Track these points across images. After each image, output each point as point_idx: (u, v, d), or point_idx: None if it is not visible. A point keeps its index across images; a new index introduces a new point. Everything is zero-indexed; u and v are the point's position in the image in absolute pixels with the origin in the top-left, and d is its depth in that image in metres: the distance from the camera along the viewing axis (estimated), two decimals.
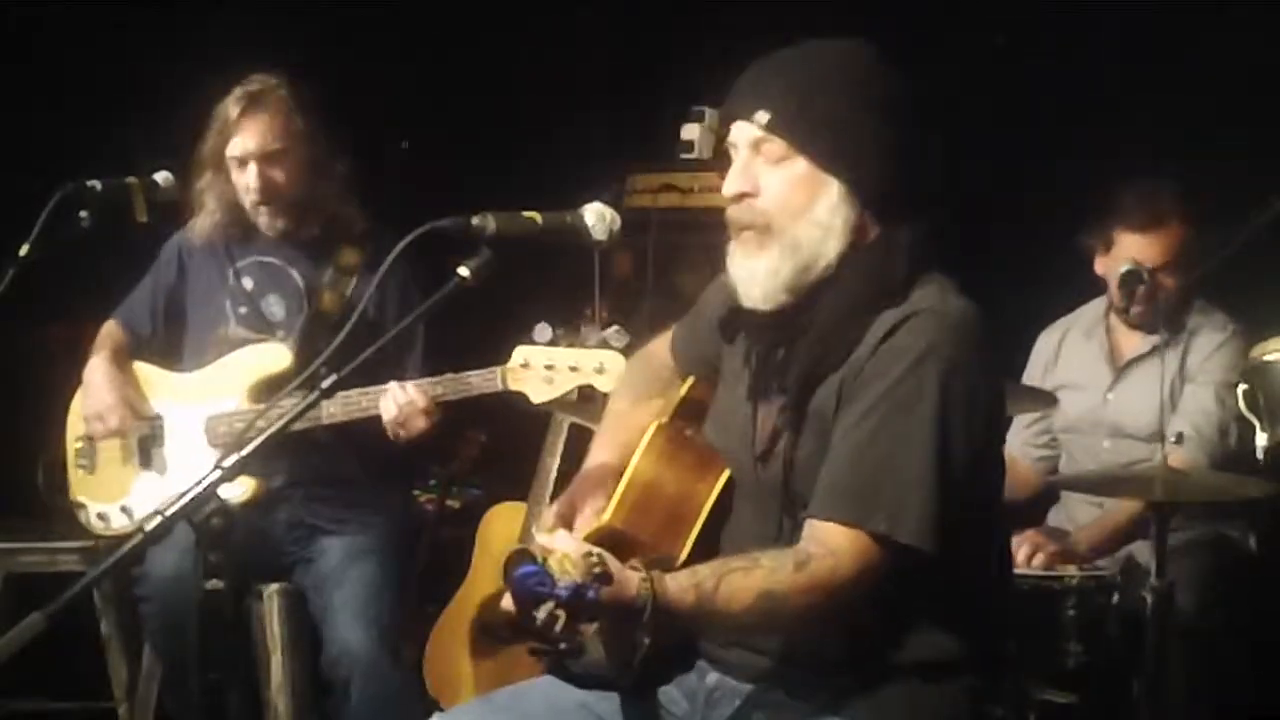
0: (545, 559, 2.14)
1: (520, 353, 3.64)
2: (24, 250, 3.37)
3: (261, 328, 4.04)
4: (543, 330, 3.63)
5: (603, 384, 3.53)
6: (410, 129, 5.57)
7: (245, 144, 3.95)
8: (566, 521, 2.58)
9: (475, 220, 2.40)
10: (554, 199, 2.52)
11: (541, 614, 2.13)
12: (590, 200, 2.48)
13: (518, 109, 5.27)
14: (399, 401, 3.70)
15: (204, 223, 4.07)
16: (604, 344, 3.58)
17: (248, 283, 4.07)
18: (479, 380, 3.69)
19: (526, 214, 2.45)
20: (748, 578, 2.27)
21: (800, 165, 2.44)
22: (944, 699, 2.45)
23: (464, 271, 2.39)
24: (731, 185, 2.47)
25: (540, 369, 3.61)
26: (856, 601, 2.33)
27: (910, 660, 2.42)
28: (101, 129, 4.87)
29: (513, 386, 3.65)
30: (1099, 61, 4.94)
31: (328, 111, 4.07)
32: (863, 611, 2.35)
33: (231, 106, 3.97)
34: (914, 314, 2.40)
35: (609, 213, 2.46)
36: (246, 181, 3.96)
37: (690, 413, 2.67)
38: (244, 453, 2.36)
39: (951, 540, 2.34)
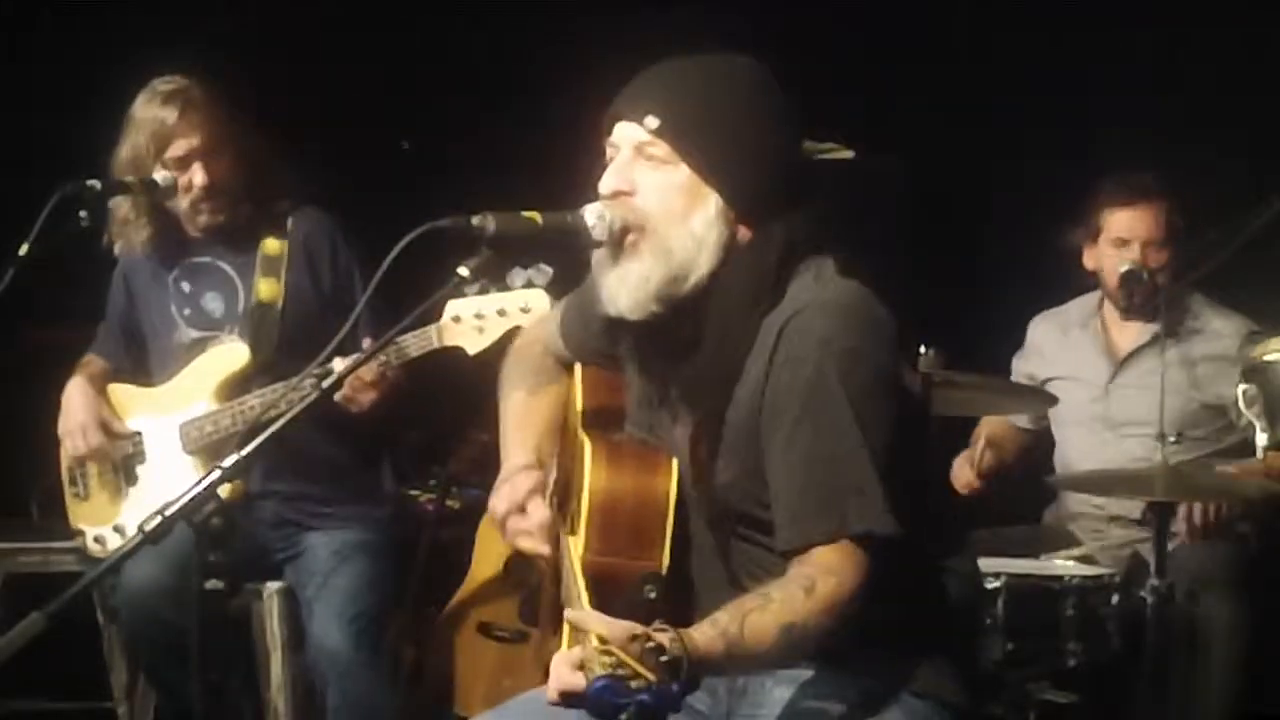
0: (602, 659, 2.09)
1: (451, 307, 3.62)
2: (24, 250, 3.37)
3: (209, 325, 4.04)
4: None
5: (530, 323, 3.48)
6: (410, 129, 5.57)
7: (190, 143, 3.89)
8: (519, 509, 2.62)
9: (475, 220, 2.39)
10: (554, 199, 2.51)
11: None
12: (590, 200, 2.48)
13: (518, 109, 5.27)
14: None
15: (136, 237, 4.01)
16: (529, 283, 3.56)
17: (185, 286, 4.06)
18: (415, 341, 3.69)
19: (526, 214, 2.44)
20: (765, 614, 2.26)
21: (682, 173, 2.43)
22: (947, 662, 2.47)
23: (464, 271, 2.39)
24: (608, 184, 2.46)
25: (471, 319, 3.61)
26: (864, 603, 2.33)
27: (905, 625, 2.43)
28: (101, 129, 4.86)
29: (448, 342, 3.64)
30: (1098, 61, 4.94)
31: (273, 106, 4.08)
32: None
33: (162, 109, 3.91)
34: (795, 314, 2.38)
35: (609, 212, 2.45)
36: (190, 179, 3.91)
37: (601, 418, 2.66)
38: (244, 452, 2.36)
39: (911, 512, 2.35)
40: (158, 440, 4.04)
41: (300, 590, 3.95)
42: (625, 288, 2.44)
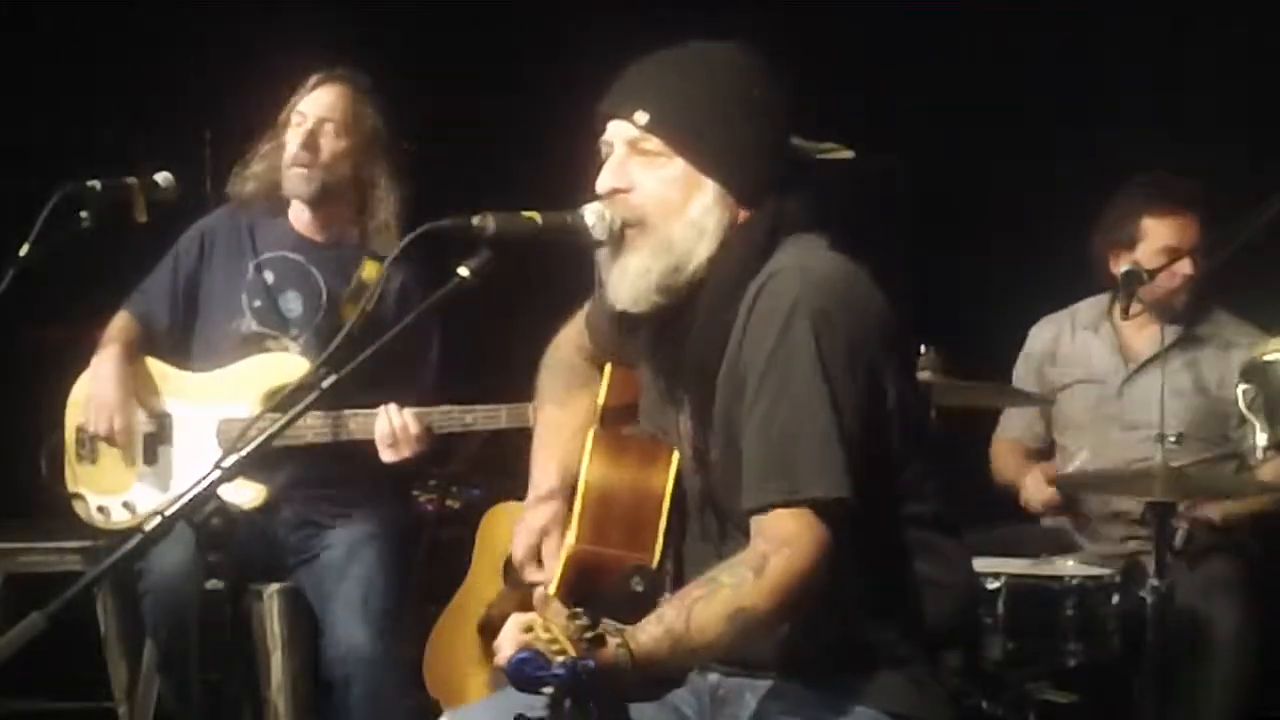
0: (534, 632, 2.12)
1: None
2: (24, 250, 3.37)
3: (276, 324, 4.03)
4: None
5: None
6: (410, 129, 5.56)
7: (308, 105, 4.00)
8: (536, 554, 2.61)
9: (475, 220, 2.39)
10: (554, 199, 2.52)
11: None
12: (590, 200, 2.48)
13: (518, 109, 5.27)
14: (394, 425, 3.72)
15: (242, 186, 4.07)
16: None
17: (269, 276, 4.06)
18: (510, 414, 3.73)
19: (526, 214, 2.45)
20: (713, 603, 2.25)
21: (677, 165, 2.44)
22: (936, 667, 2.46)
23: (464, 271, 2.39)
24: (604, 182, 2.47)
25: None
26: (824, 579, 2.30)
27: (889, 634, 2.43)
28: (101, 129, 4.87)
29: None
30: (1099, 61, 4.94)
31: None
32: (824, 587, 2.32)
33: (324, 78, 4.05)
34: (773, 275, 2.39)
35: (609, 212, 2.45)
36: (293, 137, 3.98)
37: (618, 416, 2.66)
38: (244, 453, 2.35)
39: (870, 484, 2.33)
40: (189, 427, 4.02)
41: (316, 588, 3.95)
42: (626, 282, 2.46)
